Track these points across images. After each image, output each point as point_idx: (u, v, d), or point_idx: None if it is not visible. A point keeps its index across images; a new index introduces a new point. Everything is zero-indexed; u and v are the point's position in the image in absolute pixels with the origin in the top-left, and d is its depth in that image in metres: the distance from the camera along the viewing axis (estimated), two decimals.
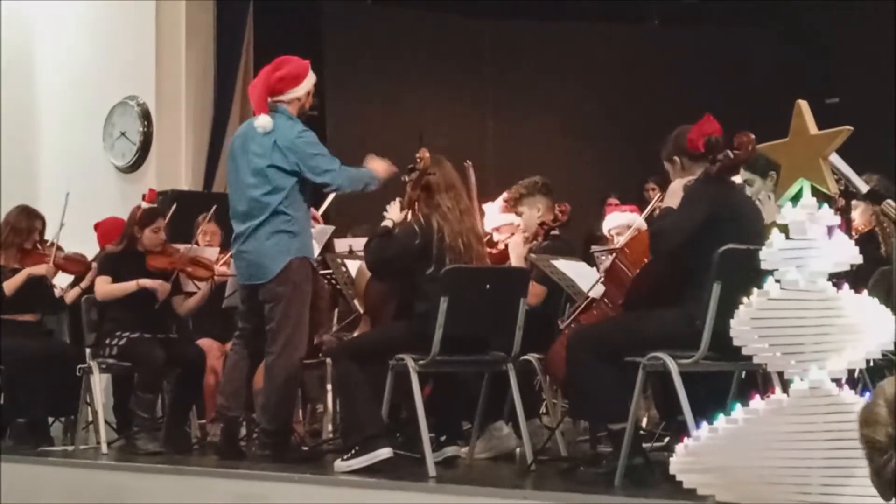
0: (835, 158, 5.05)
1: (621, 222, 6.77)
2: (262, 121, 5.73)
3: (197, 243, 7.07)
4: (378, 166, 5.84)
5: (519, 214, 6.34)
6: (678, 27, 11.75)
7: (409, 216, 5.51)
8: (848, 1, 10.49)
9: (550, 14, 11.23)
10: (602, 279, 5.33)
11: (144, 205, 6.81)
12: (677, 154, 4.83)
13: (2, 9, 9.94)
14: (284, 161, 5.67)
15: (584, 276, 5.62)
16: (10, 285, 6.99)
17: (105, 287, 6.63)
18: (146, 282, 6.61)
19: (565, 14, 11.25)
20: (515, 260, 6.04)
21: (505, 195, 6.57)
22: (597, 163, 11.59)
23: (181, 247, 6.88)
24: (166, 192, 8.35)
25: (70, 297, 7.28)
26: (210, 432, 6.66)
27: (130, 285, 6.60)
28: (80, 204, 7.36)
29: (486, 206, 6.50)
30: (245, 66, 9.40)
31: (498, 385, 5.53)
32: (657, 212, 5.57)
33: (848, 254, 3.56)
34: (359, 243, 6.55)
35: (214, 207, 7.24)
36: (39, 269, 7.05)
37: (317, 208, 6.51)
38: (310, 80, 5.86)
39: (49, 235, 7.29)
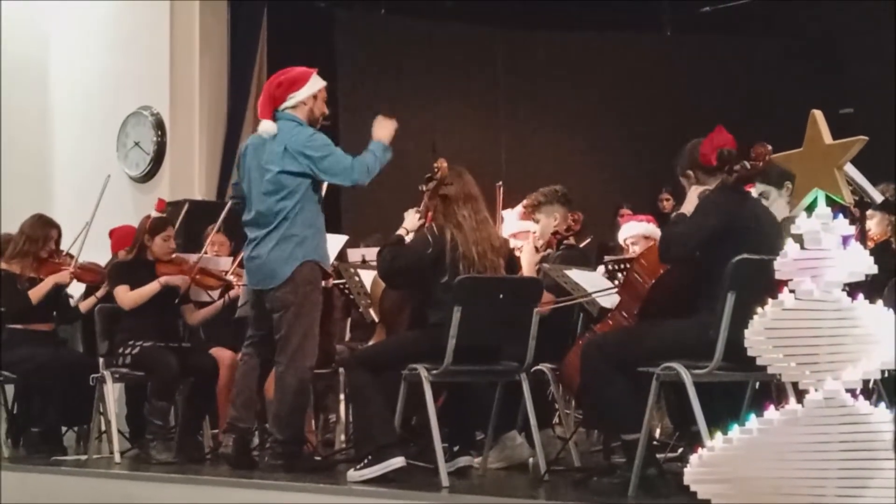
0: (849, 168, 5.05)
1: (638, 232, 6.75)
2: (265, 125, 5.74)
3: (206, 253, 7.07)
4: (384, 133, 5.74)
5: (536, 221, 6.34)
6: (690, 36, 11.74)
7: (424, 225, 5.51)
8: (863, 9, 10.48)
9: (563, 24, 11.24)
10: (613, 289, 5.32)
11: (154, 214, 6.82)
12: (691, 168, 4.82)
13: (16, 19, 9.98)
14: (295, 164, 5.65)
15: (597, 287, 5.61)
16: (36, 294, 6.98)
17: (128, 295, 6.59)
18: (167, 278, 6.62)
19: (578, 23, 11.26)
20: (526, 268, 6.03)
21: (524, 202, 6.57)
22: (609, 173, 11.59)
23: (192, 256, 6.88)
24: (180, 202, 8.37)
25: (84, 306, 7.28)
26: (223, 442, 6.65)
27: (154, 286, 6.59)
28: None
29: (505, 213, 6.49)
30: (258, 76, 9.43)
31: (511, 395, 5.52)
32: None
33: (863, 264, 3.54)
34: (371, 253, 6.54)
35: (223, 213, 7.05)
36: (63, 278, 7.05)
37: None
38: (313, 85, 5.78)
39: (70, 237, 7.27)
